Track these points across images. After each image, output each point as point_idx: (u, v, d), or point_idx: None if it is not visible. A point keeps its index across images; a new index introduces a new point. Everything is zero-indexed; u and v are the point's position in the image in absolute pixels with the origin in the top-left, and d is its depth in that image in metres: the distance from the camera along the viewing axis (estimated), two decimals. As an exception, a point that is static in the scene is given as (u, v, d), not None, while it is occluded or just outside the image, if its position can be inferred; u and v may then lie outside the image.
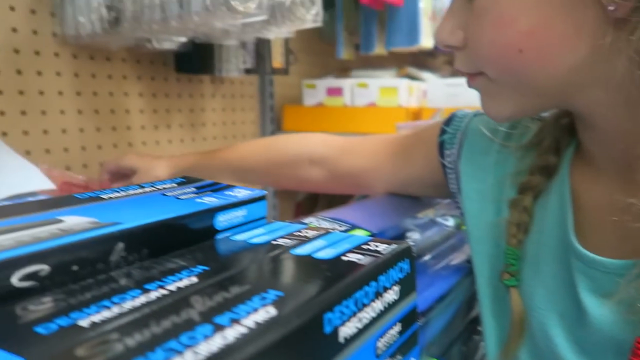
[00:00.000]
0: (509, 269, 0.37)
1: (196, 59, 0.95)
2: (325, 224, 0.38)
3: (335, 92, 1.16)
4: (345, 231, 0.37)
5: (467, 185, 0.43)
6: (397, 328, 0.26)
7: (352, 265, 0.24)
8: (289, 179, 0.63)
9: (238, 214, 0.33)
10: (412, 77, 1.27)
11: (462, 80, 1.17)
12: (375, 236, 0.41)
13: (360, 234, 0.39)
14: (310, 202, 1.39)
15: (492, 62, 0.35)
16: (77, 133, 0.84)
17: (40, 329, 0.18)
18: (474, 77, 0.37)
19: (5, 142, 0.66)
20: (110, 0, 0.67)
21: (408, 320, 0.28)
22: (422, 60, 1.88)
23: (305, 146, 0.62)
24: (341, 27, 1.26)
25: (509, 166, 0.41)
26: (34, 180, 0.60)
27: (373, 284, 0.24)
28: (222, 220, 0.32)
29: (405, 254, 0.27)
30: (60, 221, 0.27)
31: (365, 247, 0.27)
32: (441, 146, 0.48)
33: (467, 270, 0.42)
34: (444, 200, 0.55)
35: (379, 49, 1.26)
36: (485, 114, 0.47)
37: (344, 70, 1.42)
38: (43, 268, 0.23)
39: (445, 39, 0.36)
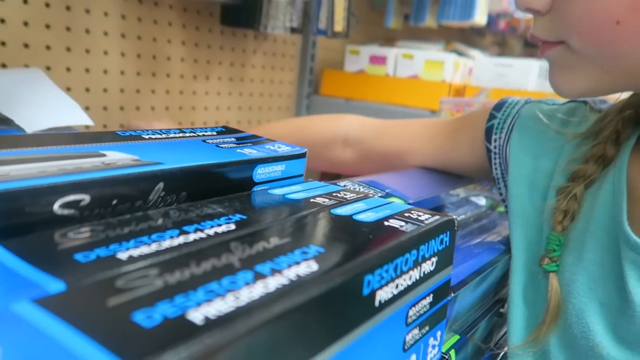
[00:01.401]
0: (550, 255, 0.36)
1: (243, 13, 0.94)
2: (362, 189, 0.37)
3: (378, 60, 1.13)
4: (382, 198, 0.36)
5: (515, 170, 0.42)
6: (429, 299, 0.26)
7: (395, 230, 0.23)
8: (321, 160, 0.62)
9: (277, 169, 0.33)
10: (460, 53, 1.22)
11: (512, 61, 1.13)
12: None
13: (396, 202, 0.38)
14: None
15: (582, 31, 0.32)
16: (117, 75, 0.85)
17: (79, 257, 0.18)
18: (552, 46, 0.35)
19: (48, 76, 0.66)
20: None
21: (440, 292, 0.27)
22: (470, 38, 1.82)
23: (340, 127, 0.60)
24: (393, -5, 1.22)
25: (563, 154, 0.40)
26: (73, 115, 0.61)
27: (414, 252, 0.23)
28: (261, 173, 0.32)
29: (448, 226, 0.26)
30: (103, 155, 0.27)
31: (407, 214, 0.26)
32: (489, 131, 0.46)
33: (500, 250, 0.41)
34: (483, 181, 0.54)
35: (429, 21, 1.22)
36: (538, 102, 0.45)
37: (389, 39, 1.38)
38: (84, 198, 0.23)
39: (530, 2, 0.34)
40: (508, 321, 0.40)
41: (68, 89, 0.77)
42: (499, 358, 0.43)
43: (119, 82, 0.85)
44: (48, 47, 0.74)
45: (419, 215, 0.26)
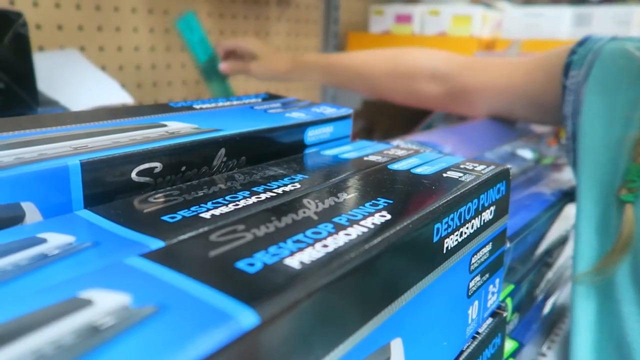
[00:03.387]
0: (629, 185, 0.37)
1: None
2: (413, 147, 0.37)
3: (404, 19, 1.11)
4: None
5: (591, 106, 0.42)
6: (489, 247, 0.26)
7: (455, 181, 0.24)
8: (406, 92, 0.65)
9: (326, 130, 0.34)
10: (487, 6, 1.19)
11: (542, 10, 1.09)
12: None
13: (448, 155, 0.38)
14: (366, 133, 1.38)
15: None
16: (148, 51, 0.86)
17: (166, 218, 0.19)
18: None
19: (83, 56, 0.68)
20: None
21: (498, 241, 0.28)
22: (495, -11, 1.76)
23: (429, 61, 0.62)
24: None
25: None
26: (113, 93, 0.62)
27: (475, 200, 0.23)
28: (311, 135, 0.32)
29: (504, 176, 0.26)
30: (164, 125, 0.28)
31: (462, 166, 0.27)
32: (568, 66, 0.47)
33: (549, 202, 0.41)
34: (542, 126, 0.55)
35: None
36: (624, 40, 0.45)
37: (412, -4, 1.35)
38: (157, 166, 0.24)
39: None
40: (574, 254, 0.41)
41: (103, 68, 0.78)
42: (551, 305, 0.43)
43: (150, 58, 0.86)
44: (80, 28, 0.75)
45: (475, 167, 0.27)
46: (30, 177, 0.19)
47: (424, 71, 0.62)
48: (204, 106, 0.34)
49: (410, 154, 0.30)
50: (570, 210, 0.47)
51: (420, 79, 0.62)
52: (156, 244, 0.16)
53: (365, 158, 0.29)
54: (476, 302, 0.26)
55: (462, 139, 0.44)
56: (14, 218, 0.19)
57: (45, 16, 0.71)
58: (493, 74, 0.56)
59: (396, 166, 0.27)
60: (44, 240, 0.17)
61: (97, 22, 0.77)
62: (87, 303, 0.12)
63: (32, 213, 0.19)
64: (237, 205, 0.20)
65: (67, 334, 0.11)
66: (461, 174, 0.25)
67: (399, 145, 0.33)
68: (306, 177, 0.25)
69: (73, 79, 0.61)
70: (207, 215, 0.19)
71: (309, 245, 0.16)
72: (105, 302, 0.12)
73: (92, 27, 0.77)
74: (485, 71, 0.57)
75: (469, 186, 0.23)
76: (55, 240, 0.17)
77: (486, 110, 0.58)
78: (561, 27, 1.01)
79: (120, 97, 0.62)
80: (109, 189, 0.22)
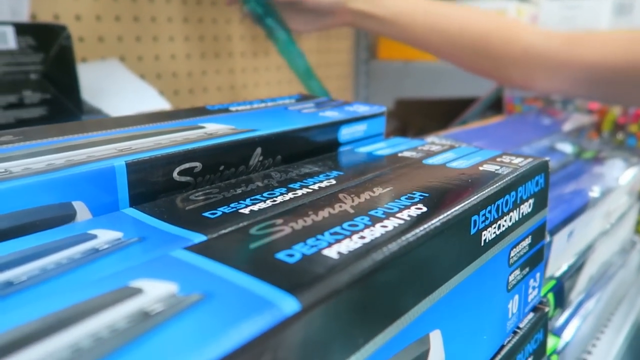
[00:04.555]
0: None
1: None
2: (447, 142, 0.37)
3: (436, 16, 1.10)
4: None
5: None
6: (528, 240, 0.26)
7: (491, 174, 0.24)
8: (490, 67, 0.58)
9: (359, 128, 0.34)
10: None
11: (580, 1, 1.06)
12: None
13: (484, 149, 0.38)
14: (399, 133, 1.37)
15: None
16: (184, 59, 0.88)
17: (207, 214, 0.20)
18: None
19: (124, 65, 0.70)
20: None
21: (538, 234, 0.27)
22: (529, -17, 1.72)
23: (521, 35, 0.55)
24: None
25: None
26: (153, 100, 0.64)
27: (513, 193, 0.23)
28: (345, 133, 0.33)
29: (542, 168, 0.26)
30: (202, 127, 0.28)
31: (499, 159, 0.26)
32: None
33: (591, 197, 0.40)
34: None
35: (486, -32, 1.17)
36: None
37: (444, -6, 1.34)
38: (197, 165, 0.25)
39: None
40: None
41: (142, 76, 0.81)
42: (596, 302, 0.42)
43: (186, 66, 0.88)
44: (120, 39, 0.78)
45: (512, 159, 0.26)
46: (80, 177, 0.20)
47: (516, 46, 0.55)
48: (239, 108, 0.35)
49: (445, 149, 0.30)
50: (611, 205, 0.45)
51: (510, 54, 0.55)
52: (199, 237, 0.17)
53: (400, 154, 0.29)
54: (516, 297, 0.26)
55: (497, 135, 0.44)
56: (67, 216, 0.20)
57: (87, 29, 0.73)
58: (605, 50, 0.50)
59: (431, 161, 0.27)
60: (94, 236, 0.18)
61: (136, 32, 0.79)
62: (137, 291, 0.13)
63: (82, 211, 0.20)
64: (275, 201, 0.21)
65: (121, 319, 0.12)
66: (498, 167, 0.25)
67: (434, 141, 0.33)
68: (341, 173, 0.25)
69: (114, 88, 0.63)
70: (246, 210, 0.20)
71: (346, 236, 0.16)
72: (155, 291, 0.13)
73: (131, 38, 0.79)
74: (594, 47, 0.51)
75: (506, 179, 0.23)
76: (105, 236, 0.18)
77: (575, 88, 0.52)
78: (601, 18, 0.98)
79: (159, 104, 0.63)
80: (152, 188, 0.23)
